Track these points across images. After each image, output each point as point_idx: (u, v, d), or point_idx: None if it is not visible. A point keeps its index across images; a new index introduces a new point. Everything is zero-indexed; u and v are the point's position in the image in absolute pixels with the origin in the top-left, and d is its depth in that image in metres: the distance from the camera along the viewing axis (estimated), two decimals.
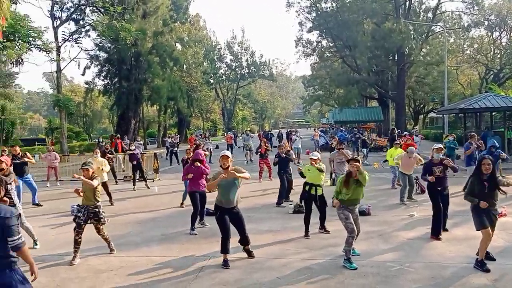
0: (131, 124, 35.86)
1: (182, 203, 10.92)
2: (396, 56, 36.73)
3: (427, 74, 38.65)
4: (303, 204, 8.50)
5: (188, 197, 8.93)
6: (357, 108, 48.75)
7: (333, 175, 12.02)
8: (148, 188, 14.28)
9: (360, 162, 6.39)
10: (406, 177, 10.75)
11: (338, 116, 43.39)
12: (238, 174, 6.12)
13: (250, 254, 6.57)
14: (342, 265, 6.06)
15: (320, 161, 8.12)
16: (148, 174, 16.18)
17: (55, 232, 8.59)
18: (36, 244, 7.35)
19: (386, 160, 13.26)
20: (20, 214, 3.75)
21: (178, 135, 36.41)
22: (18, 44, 24.52)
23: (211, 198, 9.80)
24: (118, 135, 29.03)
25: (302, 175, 8.21)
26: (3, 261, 3.57)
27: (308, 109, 67.14)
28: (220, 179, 6.10)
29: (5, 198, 4.25)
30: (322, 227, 8.00)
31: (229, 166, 6.26)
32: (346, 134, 36.49)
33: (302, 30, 41.05)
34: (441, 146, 8.15)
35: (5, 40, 21.69)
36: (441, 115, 36.33)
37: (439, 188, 7.55)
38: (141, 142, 28.04)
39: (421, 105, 49.45)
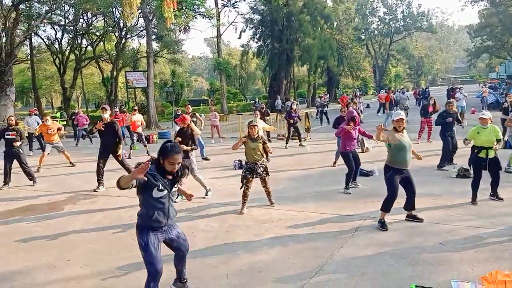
0: (282, 84, 37.00)
1: (335, 162, 10.99)
2: None
3: None
4: (470, 168, 7.72)
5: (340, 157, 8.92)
6: None
7: (506, 137, 10.61)
8: (303, 146, 14.73)
9: None
10: None
11: None
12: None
13: (415, 218, 6.28)
14: None
15: (491, 121, 7.19)
16: (301, 133, 16.60)
17: (221, 183, 9.54)
18: (207, 194, 8.26)
19: None
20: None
21: (328, 95, 36.32)
22: (185, 12, 27.12)
23: (364, 160, 9.65)
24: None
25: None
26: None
27: (474, 63, 59.42)
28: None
29: None
30: (494, 193, 7.16)
31: (404, 128, 6.07)
32: None
33: None
34: None
35: (176, 9, 24.12)
36: None
37: None
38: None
39: None
